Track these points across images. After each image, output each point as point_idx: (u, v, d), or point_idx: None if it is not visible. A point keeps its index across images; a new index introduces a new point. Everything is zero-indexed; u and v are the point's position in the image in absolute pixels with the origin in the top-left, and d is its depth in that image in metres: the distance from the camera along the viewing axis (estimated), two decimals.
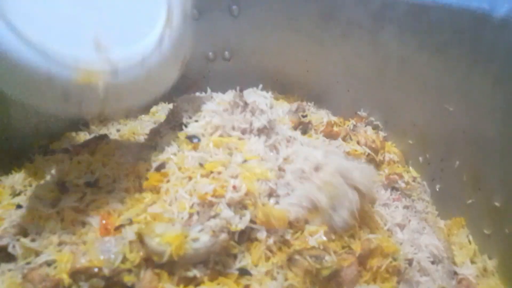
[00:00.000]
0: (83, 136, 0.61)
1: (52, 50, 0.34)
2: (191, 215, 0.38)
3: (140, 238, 0.36)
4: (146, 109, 0.64)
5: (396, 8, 0.60)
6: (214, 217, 0.37)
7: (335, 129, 0.65)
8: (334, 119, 0.67)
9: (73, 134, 0.62)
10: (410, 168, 0.65)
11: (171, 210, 0.39)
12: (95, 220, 0.41)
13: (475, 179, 0.52)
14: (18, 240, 0.41)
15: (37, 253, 0.40)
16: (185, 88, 0.74)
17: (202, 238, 0.36)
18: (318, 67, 0.72)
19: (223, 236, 0.37)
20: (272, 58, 0.74)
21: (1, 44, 0.34)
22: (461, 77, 0.53)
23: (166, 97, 0.64)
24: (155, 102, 0.63)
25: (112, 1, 0.38)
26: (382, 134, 0.68)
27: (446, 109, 0.57)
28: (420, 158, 0.63)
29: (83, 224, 0.42)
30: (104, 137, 0.52)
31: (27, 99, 0.38)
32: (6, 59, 0.34)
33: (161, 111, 0.60)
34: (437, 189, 0.59)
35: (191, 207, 0.39)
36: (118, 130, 0.61)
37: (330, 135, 0.65)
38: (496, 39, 0.47)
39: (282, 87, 0.75)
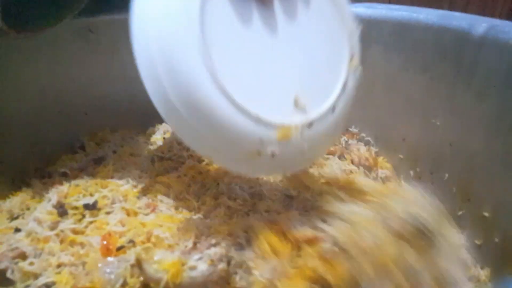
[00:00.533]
0: (79, 158, 0.61)
1: (259, 111, 0.33)
2: (195, 243, 0.38)
3: (139, 263, 0.37)
4: (142, 131, 0.65)
5: (381, 28, 0.63)
6: (214, 245, 0.37)
7: (331, 148, 0.66)
8: None
9: (70, 156, 0.62)
10: (402, 182, 0.66)
11: (178, 235, 0.39)
12: (95, 241, 0.41)
13: (464, 191, 0.54)
14: (16, 263, 0.41)
15: (36, 276, 0.40)
16: None
17: (200, 267, 0.36)
18: None
19: (222, 265, 0.37)
20: None
21: (210, 106, 0.33)
22: (446, 93, 0.55)
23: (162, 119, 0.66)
24: (152, 124, 0.64)
25: (304, 54, 0.37)
26: (373, 149, 0.70)
27: (433, 123, 0.59)
28: (411, 172, 0.65)
29: (82, 245, 0.42)
30: (102, 159, 0.53)
31: (218, 157, 0.37)
32: (211, 120, 0.33)
33: (158, 133, 0.61)
34: None
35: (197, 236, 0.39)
36: (114, 152, 0.62)
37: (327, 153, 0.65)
38: (476, 56, 0.50)
39: None
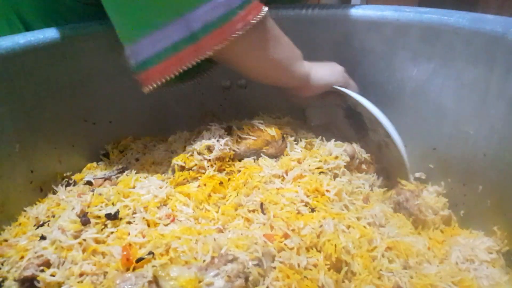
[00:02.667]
0: (103, 167, 0.62)
1: None
2: (213, 258, 0.38)
3: (156, 280, 0.36)
4: (164, 138, 0.66)
5: (408, 33, 0.61)
6: (231, 261, 0.37)
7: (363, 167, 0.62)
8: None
9: (94, 164, 0.64)
10: None
11: (196, 248, 0.39)
12: (116, 251, 0.41)
13: (499, 204, 0.51)
14: (42, 271, 0.42)
15: (60, 285, 0.41)
16: (201, 116, 0.76)
17: (216, 283, 0.36)
18: None
19: (239, 282, 0.36)
20: None
21: None
22: (478, 100, 0.52)
23: (183, 126, 0.66)
24: (173, 131, 0.65)
25: None
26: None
27: (466, 132, 0.56)
28: (442, 183, 0.62)
29: (104, 255, 0.43)
30: (124, 169, 0.54)
31: None
32: None
33: (178, 141, 0.61)
34: (462, 215, 0.58)
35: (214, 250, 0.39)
36: (137, 160, 0.63)
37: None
38: (510, 61, 0.47)
39: (296, 113, 0.76)
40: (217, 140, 0.52)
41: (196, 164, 0.50)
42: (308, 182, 0.50)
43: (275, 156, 0.56)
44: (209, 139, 0.53)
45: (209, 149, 0.52)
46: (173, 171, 0.51)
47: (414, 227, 0.54)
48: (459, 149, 0.58)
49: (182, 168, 0.51)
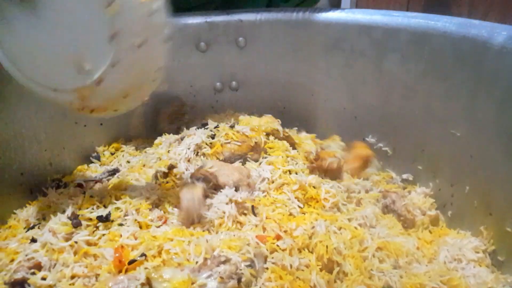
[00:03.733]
0: (94, 168, 0.62)
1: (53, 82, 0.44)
2: (205, 260, 0.38)
3: (149, 282, 0.37)
4: (150, 142, 0.66)
5: (398, 37, 0.62)
6: (224, 262, 0.37)
7: None
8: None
9: (85, 166, 0.63)
10: None
11: (188, 250, 0.39)
12: (108, 253, 0.41)
13: (486, 204, 0.52)
14: (33, 273, 0.42)
15: (51, 287, 0.41)
16: (193, 117, 0.76)
17: (209, 285, 0.36)
18: (324, 95, 0.74)
19: (232, 283, 0.36)
20: (279, 87, 0.76)
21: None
22: (465, 103, 0.54)
23: (172, 130, 0.66)
24: (159, 133, 0.65)
25: (72, 26, 0.42)
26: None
27: (453, 134, 0.57)
28: (430, 184, 0.63)
29: (96, 257, 0.43)
30: (115, 171, 0.53)
31: None
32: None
33: (165, 143, 0.61)
34: (449, 215, 0.59)
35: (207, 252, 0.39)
36: (128, 162, 0.63)
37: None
38: (497, 65, 0.48)
39: (288, 115, 0.76)
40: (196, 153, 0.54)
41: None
42: (303, 188, 0.50)
43: (257, 160, 0.57)
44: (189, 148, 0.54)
45: (189, 160, 0.53)
46: (156, 178, 0.52)
47: (403, 228, 0.55)
48: (447, 150, 0.59)
49: (166, 175, 0.52)
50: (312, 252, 0.43)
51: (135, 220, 0.45)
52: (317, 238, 0.44)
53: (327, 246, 0.43)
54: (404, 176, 0.66)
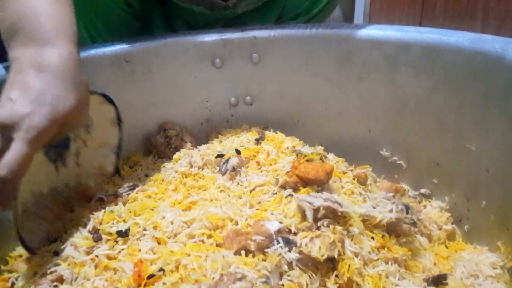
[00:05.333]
0: (114, 183, 0.64)
1: None
2: (222, 276, 0.38)
3: None
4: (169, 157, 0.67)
5: (410, 51, 0.62)
6: (240, 279, 0.37)
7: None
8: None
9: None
10: None
11: (205, 265, 0.39)
12: (128, 267, 0.42)
13: (502, 219, 0.52)
14: (55, 286, 0.43)
15: None
16: (208, 131, 0.77)
17: None
18: (338, 109, 0.74)
19: None
20: (292, 101, 0.77)
21: None
22: (479, 117, 0.54)
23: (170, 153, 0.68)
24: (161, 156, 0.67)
25: None
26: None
27: (468, 148, 0.57)
28: (446, 198, 0.63)
29: (115, 270, 0.44)
30: (135, 186, 0.55)
31: None
32: None
33: (184, 159, 0.62)
34: (466, 230, 0.58)
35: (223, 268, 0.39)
36: (146, 175, 0.64)
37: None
38: (510, 80, 0.48)
39: (302, 129, 0.77)
40: None
41: None
42: None
43: None
44: None
45: None
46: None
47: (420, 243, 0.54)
48: (462, 164, 0.58)
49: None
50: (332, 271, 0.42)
51: (153, 236, 0.46)
52: (339, 256, 0.42)
53: (349, 265, 0.42)
54: (422, 190, 0.66)
